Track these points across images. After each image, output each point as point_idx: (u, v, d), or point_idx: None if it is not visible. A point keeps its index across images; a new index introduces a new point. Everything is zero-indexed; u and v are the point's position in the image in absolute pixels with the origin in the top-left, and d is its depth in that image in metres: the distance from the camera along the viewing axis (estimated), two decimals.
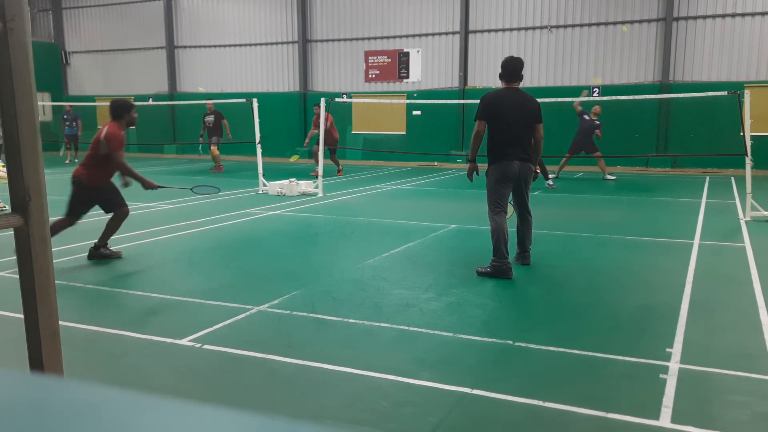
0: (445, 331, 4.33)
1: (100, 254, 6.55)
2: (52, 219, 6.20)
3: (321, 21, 21.73)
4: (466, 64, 19.85)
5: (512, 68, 5.99)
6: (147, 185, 6.66)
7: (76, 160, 19.69)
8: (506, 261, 5.81)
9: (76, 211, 6.49)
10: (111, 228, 6.62)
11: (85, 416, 0.55)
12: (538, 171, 6.30)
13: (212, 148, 17.12)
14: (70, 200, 6.50)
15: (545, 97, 14.47)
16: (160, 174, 16.80)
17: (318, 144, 12.42)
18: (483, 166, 6.14)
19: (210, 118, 17.03)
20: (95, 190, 6.49)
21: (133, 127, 6.84)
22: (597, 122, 14.26)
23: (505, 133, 5.89)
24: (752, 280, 5.67)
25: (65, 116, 19.87)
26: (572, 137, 14.45)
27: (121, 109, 6.57)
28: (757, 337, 4.21)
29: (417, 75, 20.59)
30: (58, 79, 25.95)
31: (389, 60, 20.87)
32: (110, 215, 6.68)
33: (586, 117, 14.26)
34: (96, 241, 6.63)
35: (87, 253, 6.61)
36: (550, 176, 13.41)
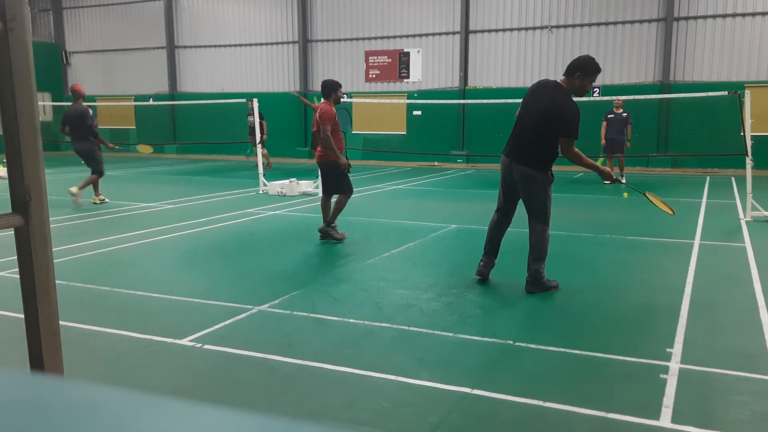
0: (445, 331, 4.33)
1: (327, 233, 7.36)
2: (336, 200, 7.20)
3: (321, 21, 21.73)
4: (467, 64, 19.84)
5: (573, 61, 5.32)
6: (342, 163, 7.25)
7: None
8: (485, 257, 5.67)
9: (330, 187, 7.43)
10: (338, 205, 7.33)
11: (85, 416, 0.55)
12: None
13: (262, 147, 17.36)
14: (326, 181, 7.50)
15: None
16: (161, 174, 16.81)
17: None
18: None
19: (251, 118, 17.07)
20: (321, 165, 7.46)
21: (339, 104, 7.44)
22: (624, 114, 13.82)
23: (515, 124, 5.42)
24: (752, 280, 5.67)
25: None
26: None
27: (328, 88, 7.33)
28: (758, 337, 4.21)
29: (417, 75, 20.59)
30: (58, 79, 25.96)
31: (389, 60, 20.87)
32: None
33: (611, 115, 13.85)
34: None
35: (318, 232, 7.43)
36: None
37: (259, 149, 13.69)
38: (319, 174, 7.54)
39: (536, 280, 5.33)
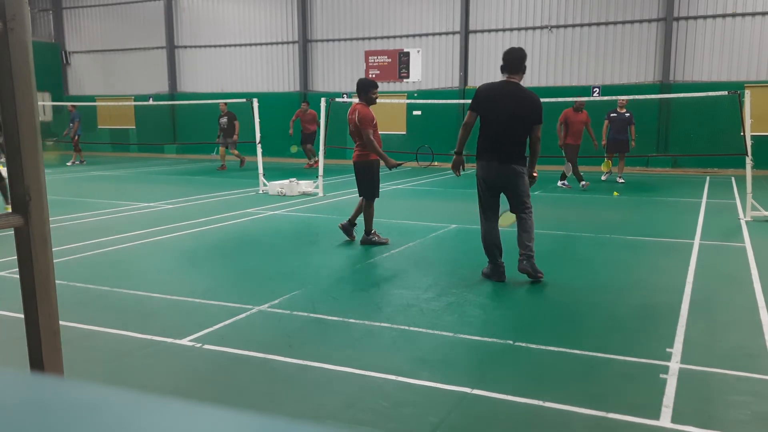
0: (445, 331, 4.33)
1: (369, 240, 7.26)
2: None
3: (321, 21, 21.73)
4: (467, 64, 19.84)
5: (512, 59, 5.56)
6: (390, 164, 7.21)
7: (80, 162, 19.56)
8: (496, 264, 5.70)
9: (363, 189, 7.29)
10: (365, 214, 7.25)
11: (85, 416, 0.55)
12: (536, 175, 5.73)
13: (223, 149, 17.69)
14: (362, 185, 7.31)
15: (545, 97, 14.47)
16: (161, 174, 16.81)
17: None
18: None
19: (223, 120, 17.33)
20: (355, 166, 7.28)
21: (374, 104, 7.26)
22: (627, 114, 13.73)
23: (493, 129, 5.53)
24: (752, 280, 5.67)
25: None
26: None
27: (364, 87, 7.15)
28: (757, 337, 4.21)
29: (417, 75, 20.59)
30: (58, 79, 25.95)
31: (389, 60, 20.87)
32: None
33: (614, 114, 13.76)
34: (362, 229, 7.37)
35: (360, 240, 7.34)
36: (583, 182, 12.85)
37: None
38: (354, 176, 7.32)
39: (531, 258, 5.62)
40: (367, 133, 6.91)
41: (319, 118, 12.92)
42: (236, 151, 17.67)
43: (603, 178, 14.45)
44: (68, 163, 19.21)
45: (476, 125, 5.73)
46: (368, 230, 7.27)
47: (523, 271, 5.59)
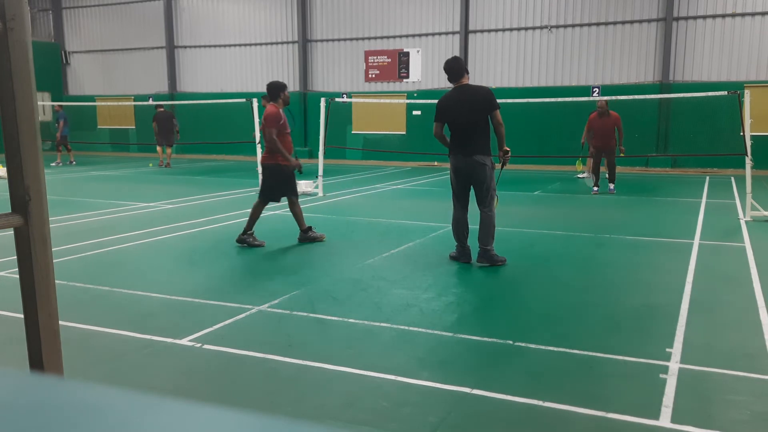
0: (445, 331, 4.33)
1: (308, 237, 7.40)
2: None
3: (321, 21, 21.73)
4: (467, 64, 19.79)
5: (452, 69, 6.27)
6: (292, 165, 7.22)
7: (69, 162, 19.51)
8: (464, 248, 6.34)
9: (268, 192, 7.33)
10: (252, 211, 7.23)
11: (85, 416, 0.55)
12: (507, 149, 6.26)
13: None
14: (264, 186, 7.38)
15: (545, 97, 14.51)
16: (161, 174, 16.81)
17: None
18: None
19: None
20: (263, 168, 7.44)
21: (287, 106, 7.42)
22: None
23: (453, 129, 6.31)
24: (752, 280, 5.67)
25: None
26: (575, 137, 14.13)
27: (275, 90, 7.27)
28: (757, 337, 4.21)
29: (417, 75, 20.60)
30: (58, 79, 25.95)
31: (389, 60, 20.87)
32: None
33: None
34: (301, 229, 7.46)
35: (297, 237, 7.46)
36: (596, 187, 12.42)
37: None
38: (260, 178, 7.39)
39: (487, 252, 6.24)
40: (270, 131, 7.00)
41: (319, 118, 12.91)
42: (170, 150, 18.53)
43: (579, 176, 14.24)
44: (52, 164, 18.79)
45: None
46: (247, 229, 7.13)
47: (481, 263, 6.23)
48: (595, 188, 12.28)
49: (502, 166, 6.51)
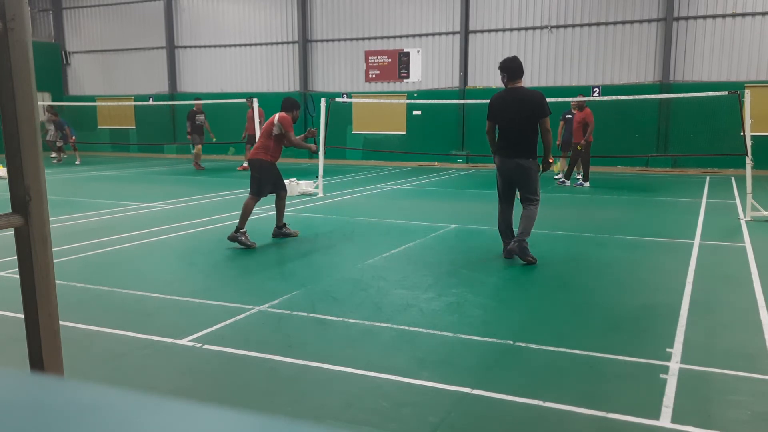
0: (445, 331, 4.33)
1: (282, 233, 7.64)
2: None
3: (321, 21, 21.73)
4: (467, 64, 19.85)
5: (510, 69, 6.29)
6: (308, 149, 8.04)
7: (56, 161, 19.61)
8: (508, 243, 6.42)
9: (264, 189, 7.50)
10: (244, 208, 7.30)
11: (85, 416, 0.55)
12: (551, 161, 6.43)
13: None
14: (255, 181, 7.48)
15: (545, 97, 14.44)
16: (161, 174, 16.81)
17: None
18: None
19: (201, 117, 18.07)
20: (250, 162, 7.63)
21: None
22: (569, 116, 13.86)
23: (504, 131, 6.37)
24: (752, 280, 5.67)
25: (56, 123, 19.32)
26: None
27: (289, 104, 7.54)
28: (757, 337, 4.21)
29: (417, 75, 20.59)
30: (58, 79, 25.94)
31: (389, 60, 20.87)
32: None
33: (569, 116, 13.89)
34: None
35: (271, 233, 7.69)
36: (579, 181, 13.43)
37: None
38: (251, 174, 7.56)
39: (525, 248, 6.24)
40: (290, 133, 7.35)
41: (319, 118, 12.92)
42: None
43: (556, 177, 14.29)
44: (54, 162, 19.25)
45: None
46: (240, 227, 7.12)
47: (510, 252, 6.30)
48: (567, 181, 13.39)
49: (541, 173, 6.51)
